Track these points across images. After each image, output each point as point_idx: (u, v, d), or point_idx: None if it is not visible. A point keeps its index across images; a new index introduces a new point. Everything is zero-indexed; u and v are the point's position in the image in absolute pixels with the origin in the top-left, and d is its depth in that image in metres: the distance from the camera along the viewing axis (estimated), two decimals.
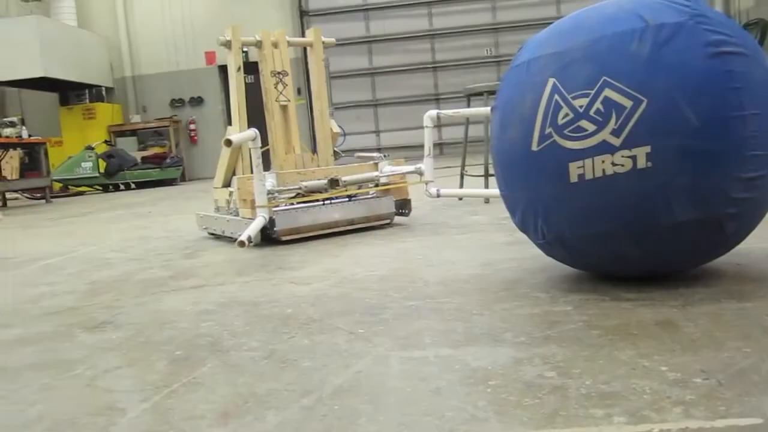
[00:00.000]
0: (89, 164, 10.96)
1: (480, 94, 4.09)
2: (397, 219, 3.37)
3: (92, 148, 11.11)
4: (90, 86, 13.03)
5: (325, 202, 3.07)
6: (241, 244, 2.55)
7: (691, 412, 0.93)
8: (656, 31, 1.47)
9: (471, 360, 1.22)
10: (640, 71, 1.45)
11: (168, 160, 11.99)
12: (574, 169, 1.51)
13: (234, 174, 3.26)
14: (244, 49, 12.81)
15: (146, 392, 1.20)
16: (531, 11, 13.31)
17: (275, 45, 3.33)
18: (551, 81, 1.55)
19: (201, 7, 13.45)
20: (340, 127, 3.76)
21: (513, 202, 1.73)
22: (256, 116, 3.68)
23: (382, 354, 1.30)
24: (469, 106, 4.18)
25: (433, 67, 13.60)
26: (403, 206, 3.36)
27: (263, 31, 3.28)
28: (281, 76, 3.30)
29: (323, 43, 3.48)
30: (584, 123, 1.49)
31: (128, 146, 12.40)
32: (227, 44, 3.16)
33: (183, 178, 12.95)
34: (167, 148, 13.09)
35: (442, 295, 1.73)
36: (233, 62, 3.20)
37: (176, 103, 14.05)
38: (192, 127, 14.00)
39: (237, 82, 3.18)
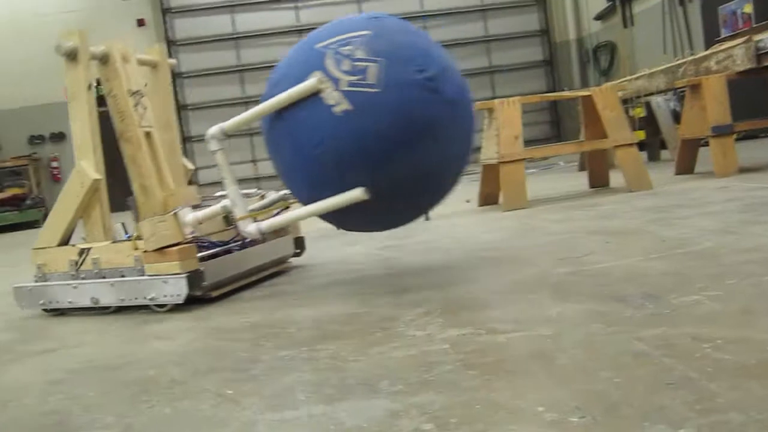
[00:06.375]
0: None
1: None
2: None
3: None
4: None
5: (239, 244, 2.63)
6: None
7: None
8: None
9: (345, 417, 1.14)
10: None
11: (28, 202, 11.16)
12: None
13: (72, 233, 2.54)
14: None
15: None
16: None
17: (125, 59, 2.68)
18: None
19: (55, 35, 12.68)
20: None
21: None
22: None
23: (250, 418, 1.20)
24: None
25: None
26: (297, 245, 3.00)
27: (108, 41, 2.62)
28: (138, 97, 2.70)
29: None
30: None
31: None
32: (72, 54, 2.48)
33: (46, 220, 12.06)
34: (27, 189, 12.18)
35: (316, 341, 1.65)
36: (82, 77, 2.48)
37: (35, 139, 13.17)
38: (54, 164, 13.15)
39: (89, 104, 2.50)
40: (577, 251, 2.36)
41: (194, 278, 2.24)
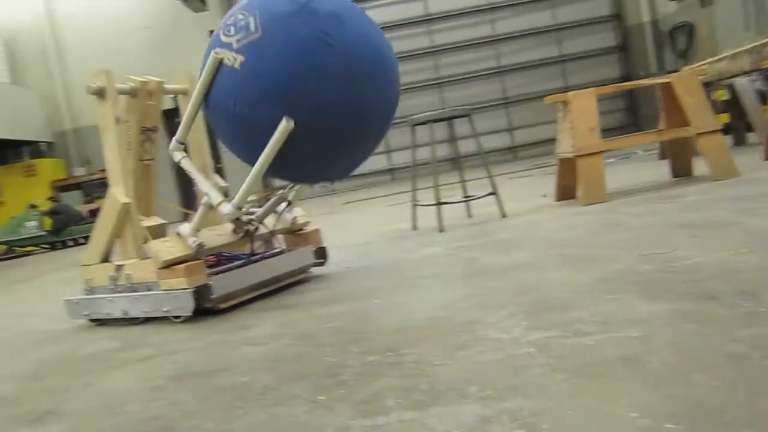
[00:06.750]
0: (33, 223, 10.60)
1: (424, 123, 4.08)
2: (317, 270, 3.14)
3: (36, 206, 10.77)
4: (27, 143, 12.69)
5: (252, 257, 2.83)
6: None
7: None
8: None
9: (436, 423, 1.16)
10: None
11: None
12: None
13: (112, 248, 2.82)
14: None
15: None
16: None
17: (150, 95, 2.94)
18: None
19: (136, 55, 13.27)
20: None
21: None
22: None
23: (344, 424, 1.23)
24: (415, 136, 4.17)
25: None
26: (320, 255, 3.12)
27: (142, 78, 2.91)
28: (150, 133, 2.96)
29: None
30: None
31: (74, 200, 12.07)
32: (100, 92, 2.71)
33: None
34: None
35: (401, 346, 1.67)
36: (110, 113, 2.72)
37: None
38: None
39: (118, 135, 2.74)
40: (663, 246, 2.30)
41: (201, 292, 2.46)
